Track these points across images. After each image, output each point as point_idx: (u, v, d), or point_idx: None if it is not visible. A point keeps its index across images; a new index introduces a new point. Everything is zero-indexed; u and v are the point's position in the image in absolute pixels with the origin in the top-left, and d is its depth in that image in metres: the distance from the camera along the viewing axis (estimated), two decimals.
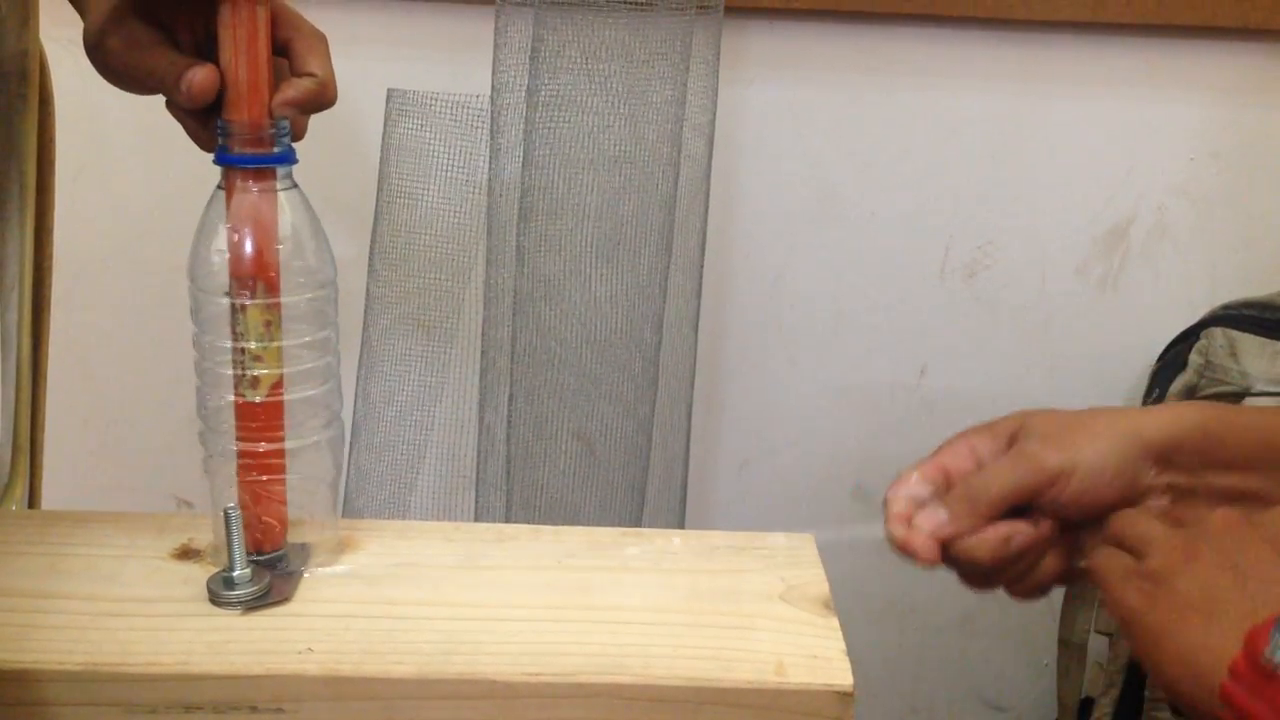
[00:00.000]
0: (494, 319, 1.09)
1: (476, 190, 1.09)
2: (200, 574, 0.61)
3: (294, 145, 0.59)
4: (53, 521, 0.66)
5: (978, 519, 0.62)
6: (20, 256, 0.75)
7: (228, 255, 0.58)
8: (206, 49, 0.58)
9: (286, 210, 0.59)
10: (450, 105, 1.07)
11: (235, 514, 0.58)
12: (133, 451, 1.30)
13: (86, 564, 0.61)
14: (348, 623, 0.58)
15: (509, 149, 1.05)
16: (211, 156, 0.59)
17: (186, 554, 0.63)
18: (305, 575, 0.61)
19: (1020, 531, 0.63)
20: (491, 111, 1.04)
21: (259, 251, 0.58)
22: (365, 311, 1.12)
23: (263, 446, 0.60)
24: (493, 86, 1.04)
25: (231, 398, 0.59)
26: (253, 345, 0.59)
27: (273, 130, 0.57)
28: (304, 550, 0.62)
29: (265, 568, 0.60)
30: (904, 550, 0.63)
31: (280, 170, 0.58)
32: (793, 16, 1.16)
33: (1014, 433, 0.65)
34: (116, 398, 1.29)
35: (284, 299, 0.59)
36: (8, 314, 0.75)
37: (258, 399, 0.59)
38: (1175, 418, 0.64)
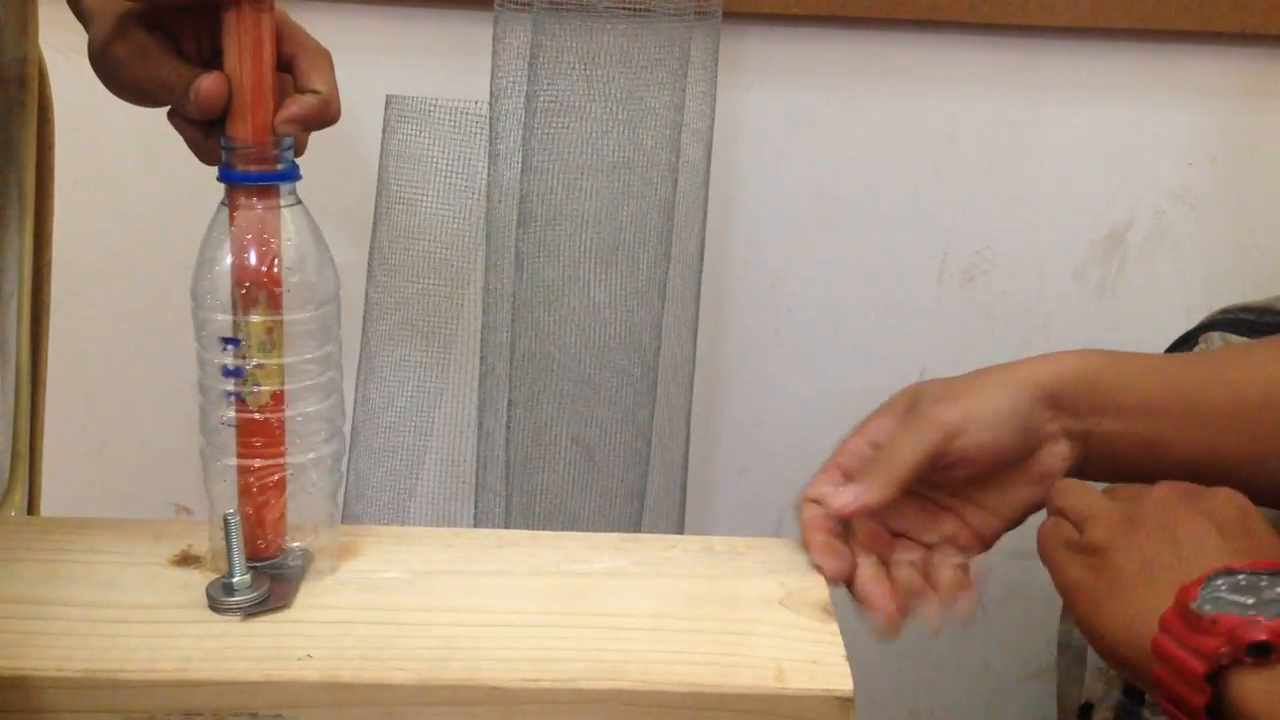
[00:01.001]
0: (493, 324, 1.09)
1: (475, 196, 1.09)
2: (199, 580, 0.60)
3: (296, 161, 0.59)
4: (51, 528, 0.66)
5: (891, 488, 0.63)
6: (19, 263, 0.75)
7: (230, 272, 0.58)
8: (212, 62, 0.58)
9: (290, 227, 0.58)
10: (449, 111, 1.07)
11: (234, 520, 0.58)
12: (131, 457, 1.30)
13: (85, 570, 0.61)
14: (347, 629, 0.58)
15: (508, 154, 1.05)
16: (210, 168, 0.59)
17: (185, 560, 0.63)
18: (304, 581, 0.61)
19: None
20: (490, 117, 1.05)
21: (262, 269, 0.58)
22: (364, 317, 1.12)
23: (263, 461, 0.60)
24: (491, 92, 1.04)
25: (233, 412, 0.59)
26: (254, 360, 0.58)
27: (276, 148, 0.57)
28: (303, 556, 0.62)
29: (264, 574, 0.60)
30: (817, 555, 0.65)
31: (284, 187, 0.58)
32: (791, 22, 1.17)
33: (907, 406, 0.66)
34: (115, 404, 1.29)
35: (287, 316, 0.58)
36: (7, 320, 0.75)
37: (259, 414, 0.59)
38: (1058, 363, 0.66)
